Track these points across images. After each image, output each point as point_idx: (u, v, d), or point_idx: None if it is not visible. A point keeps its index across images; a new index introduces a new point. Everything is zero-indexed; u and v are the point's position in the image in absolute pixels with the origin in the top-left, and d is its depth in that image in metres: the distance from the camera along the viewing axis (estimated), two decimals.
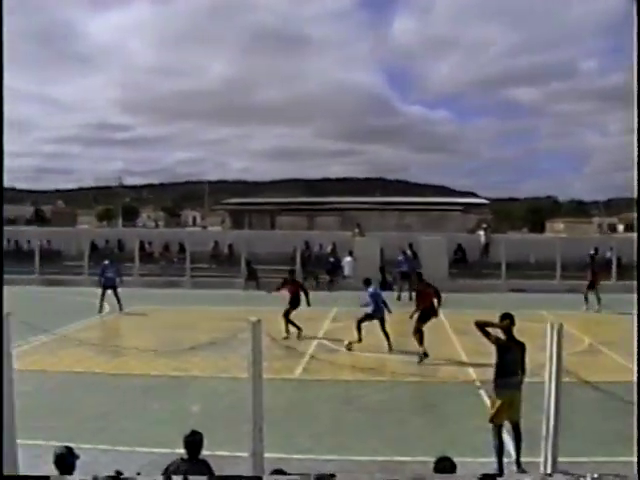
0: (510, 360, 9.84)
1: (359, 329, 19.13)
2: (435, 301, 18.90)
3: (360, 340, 19.03)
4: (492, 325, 10.11)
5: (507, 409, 9.84)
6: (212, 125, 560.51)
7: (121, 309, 26.13)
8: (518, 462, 9.79)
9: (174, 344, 18.05)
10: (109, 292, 26.18)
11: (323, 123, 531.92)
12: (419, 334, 18.27)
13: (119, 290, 26.49)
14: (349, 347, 19.00)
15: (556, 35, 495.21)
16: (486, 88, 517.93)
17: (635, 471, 7.36)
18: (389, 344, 19.10)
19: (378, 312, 19.35)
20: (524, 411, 9.96)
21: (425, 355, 17.82)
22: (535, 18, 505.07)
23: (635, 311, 7.69)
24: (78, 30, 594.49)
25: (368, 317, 19.41)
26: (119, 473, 7.13)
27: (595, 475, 7.05)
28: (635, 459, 7.21)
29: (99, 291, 26.14)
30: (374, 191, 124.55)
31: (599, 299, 27.18)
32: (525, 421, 9.94)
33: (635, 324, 7.51)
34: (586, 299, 27.56)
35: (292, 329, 21.09)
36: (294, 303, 21.83)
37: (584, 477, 7.03)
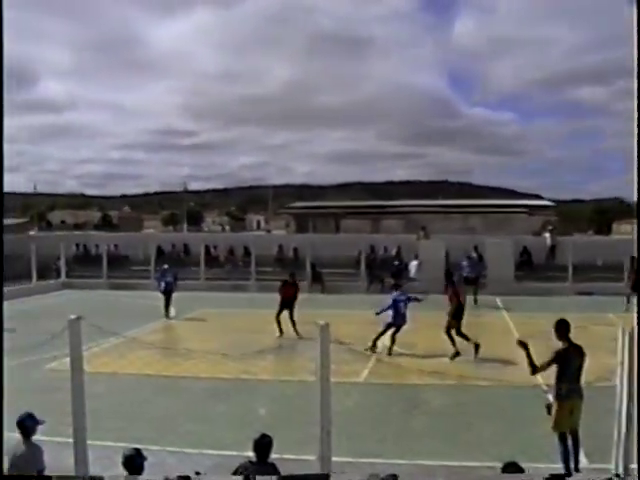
0: (572, 367, 9.68)
1: (377, 339, 19.11)
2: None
3: (389, 351, 18.95)
4: (543, 368, 9.89)
5: (569, 417, 9.71)
6: (275, 129, 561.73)
7: (167, 317, 26.14)
8: (576, 469, 9.66)
9: (242, 347, 18.15)
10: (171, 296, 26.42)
11: (386, 126, 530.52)
12: (451, 332, 18.76)
13: (174, 295, 26.67)
14: (389, 352, 18.96)
15: (621, 32, 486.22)
16: (550, 88, 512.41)
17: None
18: (390, 350, 18.92)
19: (398, 320, 19.25)
20: (595, 416, 9.82)
21: (457, 354, 18.26)
22: (599, 15, 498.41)
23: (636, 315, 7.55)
24: (142, 38, 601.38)
25: (388, 327, 19.29)
26: (197, 473, 7.22)
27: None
28: None
29: (161, 296, 26.32)
30: (438, 194, 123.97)
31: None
32: (596, 426, 9.81)
33: (635, 324, 7.40)
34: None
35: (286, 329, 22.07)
36: (286, 305, 22.46)
37: None
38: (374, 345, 18.77)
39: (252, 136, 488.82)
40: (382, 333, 19.20)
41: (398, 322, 19.23)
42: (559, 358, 9.72)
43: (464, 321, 19.09)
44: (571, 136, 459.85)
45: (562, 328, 9.83)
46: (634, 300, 26.55)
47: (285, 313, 21.84)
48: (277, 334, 21.61)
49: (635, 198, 6.91)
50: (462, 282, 25.44)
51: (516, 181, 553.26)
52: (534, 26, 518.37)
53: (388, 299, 19.85)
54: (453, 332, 18.82)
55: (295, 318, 21.81)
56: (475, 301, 28.32)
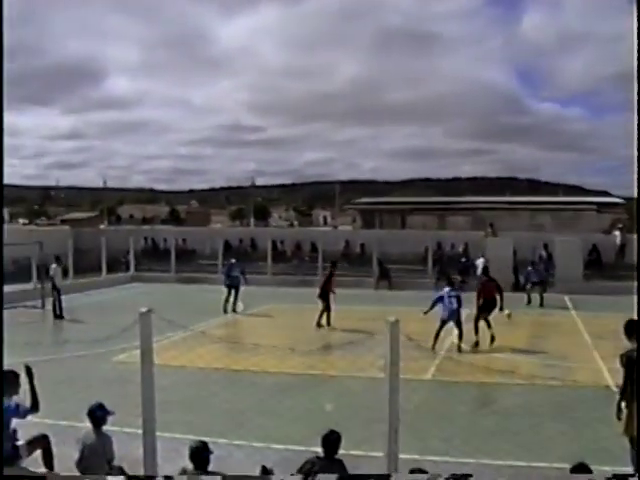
0: None
1: (437, 336, 18.97)
2: (497, 295, 20.53)
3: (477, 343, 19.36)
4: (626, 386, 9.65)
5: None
6: (342, 126, 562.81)
7: (235, 310, 26.36)
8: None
9: (310, 343, 18.23)
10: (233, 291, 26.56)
11: (453, 122, 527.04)
12: (477, 323, 19.72)
13: (241, 290, 26.86)
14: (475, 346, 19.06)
15: None
16: (621, 83, 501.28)
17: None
18: (460, 344, 19.12)
19: (445, 315, 19.31)
20: None
21: (476, 344, 19.26)
22: None
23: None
24: (209, 35, 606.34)
25: (443, 323, 19.32)
26: (264, 468, 7.26)
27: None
28: None
29: (225, 290, 26.44)
30: (505, 191, 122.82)
31: None
32: None
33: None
34: None
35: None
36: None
37: None
38: (434, 344, 18.70)
39: (318, 132, 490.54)
40: (438, 331, 19.13)
41: (444, 317, 19.28)
42: (627, 360, 9.52)
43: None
44: None
45: (632, 328, 9.60)
46: None
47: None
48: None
49: (635, 198, 6.79)
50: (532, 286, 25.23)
51: (585, 178, 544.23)
52: (603, 20, 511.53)
53: (435, 296, 20.11)
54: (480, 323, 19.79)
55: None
56: (541, 304, 28.08)
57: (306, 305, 26.00)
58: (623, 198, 75.98)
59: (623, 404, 9.57)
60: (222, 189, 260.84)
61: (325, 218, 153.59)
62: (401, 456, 8.51)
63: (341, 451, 7.36)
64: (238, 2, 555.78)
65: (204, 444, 7.15)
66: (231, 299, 26.20)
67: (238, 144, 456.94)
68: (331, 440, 7.29)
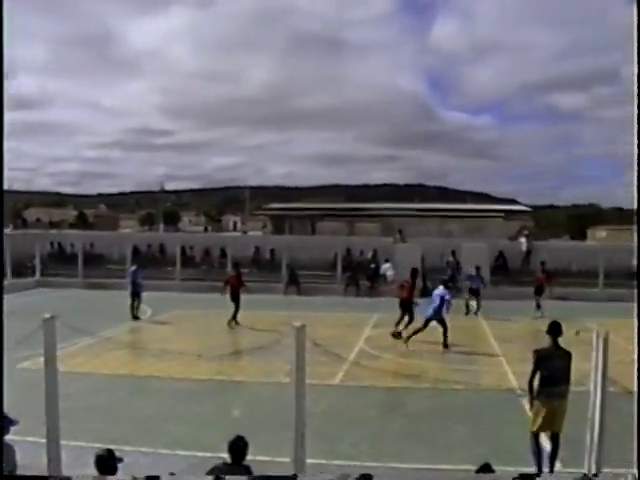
0: (555, 369, 9.75)
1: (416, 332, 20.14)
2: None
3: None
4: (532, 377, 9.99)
5: (550, 418, 9.77)
6: (253, 130, 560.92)
7: (136, 318, 25.86)
8: (551, 471, 9.71)
9: (217, 348, 18.15)
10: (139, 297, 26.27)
11: (364, 129, 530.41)
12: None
13: (144, 296, 26.59)
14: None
15: (601, 39, 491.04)
16: (529, 93, 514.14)
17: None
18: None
19: (434, 314, 20.19)
20: (569, 421, 9.87)
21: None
22: (580, 22, 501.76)
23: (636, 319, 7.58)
24: (121, 36, 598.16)
25: (427, 321, 20.24)
26: (172, 474, 7.19)
27: (636, 472, 6.98)
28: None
29: (145, 294, 26.19)
30: (414, 197, 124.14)
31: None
32: (570, 431, 9.85)
33: (635, 327, 7.43)
34: None
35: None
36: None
37: (625, 477, 6.96)
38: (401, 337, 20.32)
39: (229, 137, 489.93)
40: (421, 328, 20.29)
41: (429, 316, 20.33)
42: (536, 358, 9.85)
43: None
44: (549, 142, 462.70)
45: (552, 329, 9.97)
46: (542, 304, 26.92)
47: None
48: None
49: (635, 199, 6.93)
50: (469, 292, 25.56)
51: (493, 186, 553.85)
52: (514, 31, 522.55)
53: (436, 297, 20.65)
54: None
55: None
56: (476, 312, 28.41)
57: (215, 311, 25.90)
58: (530, 206, 77.52)
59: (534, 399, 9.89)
60: (131, 193, 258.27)
61: (235, 223, 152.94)
62: (308, 460, 8.54)
63: (248, 457, 7.34)
64: (150, 3, 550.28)
65: (110, 452, 7.05)
66: (136, 305, 25.91)
67: (148, 148, 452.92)
68: (238, 446, 7.25)
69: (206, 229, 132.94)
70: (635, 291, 9.54)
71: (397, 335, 20.91)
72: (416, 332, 20.02)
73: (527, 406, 10.31)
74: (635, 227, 7.41)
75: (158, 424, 12.34)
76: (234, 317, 24.19)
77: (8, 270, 35.67)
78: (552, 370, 9.71)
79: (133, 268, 27.48)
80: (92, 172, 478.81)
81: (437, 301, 20.16)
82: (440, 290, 20.52)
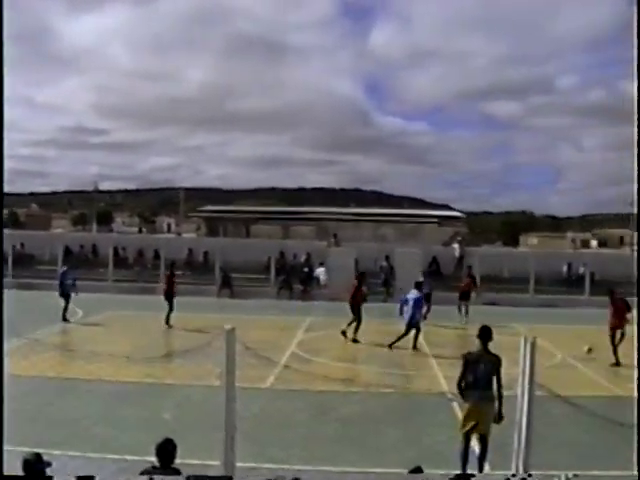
0: (481, 372, 9.90)
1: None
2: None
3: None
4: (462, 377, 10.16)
5: (475, 420, 9.90)
6: (190, 132, 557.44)
7: (66, 320, 25.31)
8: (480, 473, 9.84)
9: (148, 351, 18.01)
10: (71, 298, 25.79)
11: (302, 132, 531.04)
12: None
13: (75, 297, 26.13)
14: None
15: (537, 50, 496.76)
16: (466, 101, 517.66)
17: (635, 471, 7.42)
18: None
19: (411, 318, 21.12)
20: (501, 424, 9.99)
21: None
22: (517, 32, 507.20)
23: (636, 320, 7.71)
24: (57, 32, 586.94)
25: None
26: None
27: (570, 475, 7.07)
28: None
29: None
30: (349, 202, 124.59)
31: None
32: (498, 434, 9.97)
33: (635, 328, 7.56)
34: None
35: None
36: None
37: (558, 478, 7.04)
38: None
39: (166, 137, 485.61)
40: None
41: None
42: (465, 361, 10.02)
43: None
44: (484, 149, 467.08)
45: (482, 334, 10.15)
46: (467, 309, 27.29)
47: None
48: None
49: (635, 199, 7.03)
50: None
51: (428, 192, 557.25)
52: (452, 39, 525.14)
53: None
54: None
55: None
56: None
57: (147, 312, 25.73)
58: (464, 212, 78.34)
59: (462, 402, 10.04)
60: (65, 193, 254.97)
61: (169, 225, 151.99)
62: (239, 464, 8.53)
63: (178, 460, 7.29)
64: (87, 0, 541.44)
65: (38, 456, 6.95)
66: (81, 304, 25.60)
67: (82, 146, 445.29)
68: (166, 449, 7.19)
69: (140, 230, 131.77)
70: (635, 292, 9.66)
71: (344, 335, 21.64)
72: (400, 338, 20.34)
73: (458, 408, 10.42)
74: (635, 228, 7.49)
75: (87, 427, 12.19)
76: (168, 317, 24.31)
77: None
78: (480, 374, 9.87)
79: (63, 269, 27.09)
80: (25, 170, 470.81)
81: (412, 304, 20.76)
82: (414, 294, 21.10)
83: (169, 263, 28.80)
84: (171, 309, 24.58)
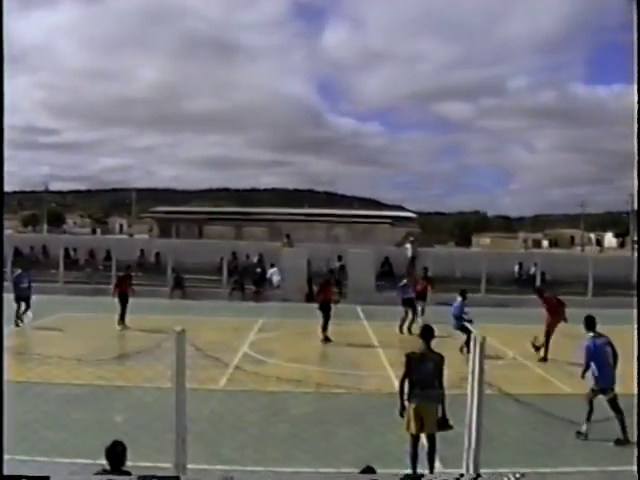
0: (425, 372, 10.00)
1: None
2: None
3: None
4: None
5: (420, 420, 9.99)
6: (141, 132, 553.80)
7: (19, 323, 24.97)
8: (431, 472, 9.91)
9: (98, 353, 17.87)
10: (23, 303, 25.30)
11: (253, 133, 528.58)
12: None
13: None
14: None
15: (488, 52, 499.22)
16: (418, 102, 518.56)
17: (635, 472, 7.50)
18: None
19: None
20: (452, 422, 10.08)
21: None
22: (468, 35, 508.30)
23: (636, 321, 7.78)
24: (6, 29, 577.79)
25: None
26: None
27: (518, 475, 7.15)
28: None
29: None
30: (303, 203, 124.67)
31: None
32: (448, 433, 10.05)
33: (635, 329, 7.61)
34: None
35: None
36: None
37: (507, 477, 7.12)
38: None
39: (117, 138, 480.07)
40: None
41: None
42: (408, 360, 10.14)
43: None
44: (436, 150, 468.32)
45: (424, 333, 10.29)
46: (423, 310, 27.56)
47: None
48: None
49: (635, 199, 7.10)
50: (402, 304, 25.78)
51: (381, 192, 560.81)
52: (404, 41, 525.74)
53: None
54: None
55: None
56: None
57: (99, 314, 25.56)
58: (417, 212, 78.82)
59: (406, 402, 10.13)
60: (14, 193, 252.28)
61: (121, 226, 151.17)
62: (190, 466, 8.51)
63: (129, 463, 7.26)
64: None
65: (46, 477, 6.91)
66: (21, 311, 25.18)
67: (32, 146, 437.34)
68: (115, 452, 7.16)
69: (94, 231, 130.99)
70: (635, 295, 9.76)
71: (326, 340, 22.40)
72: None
73: (396, 410, 10.49)
74: (635, 229, 7.56)
75: (37, 431, 12.06)
76: (122, 319, 24.49)
77: None
78: (423, 373, 9.99)
79: (18, 272, 26.71)
80: None
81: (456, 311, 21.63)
82: (458, 301, 22.03)
83: (125, 265, 28.89)
84: (124, 311, 24.68)
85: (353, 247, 39.07)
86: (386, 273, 38.38)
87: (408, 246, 40.51)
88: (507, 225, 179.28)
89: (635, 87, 7.05)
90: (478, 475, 8.67)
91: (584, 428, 12.47)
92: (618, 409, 12.32)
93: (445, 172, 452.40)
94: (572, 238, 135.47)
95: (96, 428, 11.96)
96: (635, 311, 7.88)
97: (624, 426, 11.78)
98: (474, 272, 35.64)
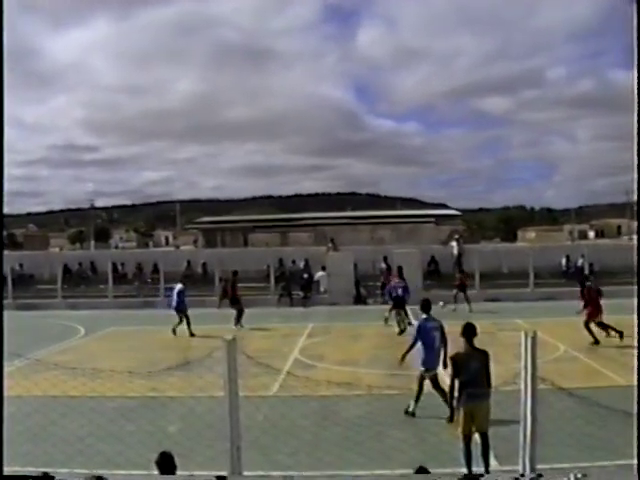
0: (472, 371, 9.91)
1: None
2: None
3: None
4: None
5: (472, 420, 9.91)
6: (181, 144, 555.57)
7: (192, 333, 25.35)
8: (486, 471, 9.84)
9: (150, 365, 17.97)
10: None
11: (293, 138, 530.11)
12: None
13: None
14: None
15: (525, 43, 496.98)
16: (456, 99, 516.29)
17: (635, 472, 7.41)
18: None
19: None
20: (502, 419, 10.01)
21: None
22: (503, 27, 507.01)
23: (636, 322, 7.70)
24: (40, 50, 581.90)
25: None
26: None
27: (579, 475, 7.07)
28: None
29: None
30: (346, 206, 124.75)
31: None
32: (503, 430, 9.98)
33: (635, 328, 7.53)
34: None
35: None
36: None
37: (568, 477, 7.04)
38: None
39: (157, 151, 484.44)
40: None
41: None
42: (454, 362, 10.07)
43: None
44: (476, 146, 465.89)
45: (466, 332, 10.17)
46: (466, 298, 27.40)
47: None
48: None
49: (635, 199, 7.04)
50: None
51: (423, 191, 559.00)
52: (438, 37, 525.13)
53: None
54: None
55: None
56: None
57: (148, 327, 25.71)
58: (460, 210, 78.48)
59: (455, 405, 10.07)
60: (61, 211, 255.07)
61: (167, 238, 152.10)
62: (247, 473, 8.52)
63: (185, 472, 7.31)
64: (68, 15, 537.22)
65: (46, 475, 6.96)
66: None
67: (74, 164, 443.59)
68: (163, 463, 7.18)
69: (147, 244, 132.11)
70: (635, 289, 9.71)
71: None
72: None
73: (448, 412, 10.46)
74: (636, 225, 7.50)
75: (92, 444, 12.17)
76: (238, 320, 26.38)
77: None
78: (471, 372, 9.89)
79: (179, 287, 26.62)
80: (19, 191, 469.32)
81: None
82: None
83: (232, 271, 30.10)
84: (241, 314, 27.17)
85: (398, 248, 38.94)
86: (433, 272, 38.28)
87: (454, 244, 40.40)
88: (552, 218, 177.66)
89: (635, 87, 6.99)
90: (539, 475, 8.58)
91: (411, 407, 13.83)
92: (439, 388, 13.42)
93: (487, 168, 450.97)
94: (619, 228, 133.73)
95: (150, 439, 12.03)
96: (635, 306, 7.78)
97: (449, 403, 11.66)
98: (521, 267, 35.46)
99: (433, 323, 14.01)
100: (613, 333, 20.59)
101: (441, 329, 13.90)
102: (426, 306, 14.26)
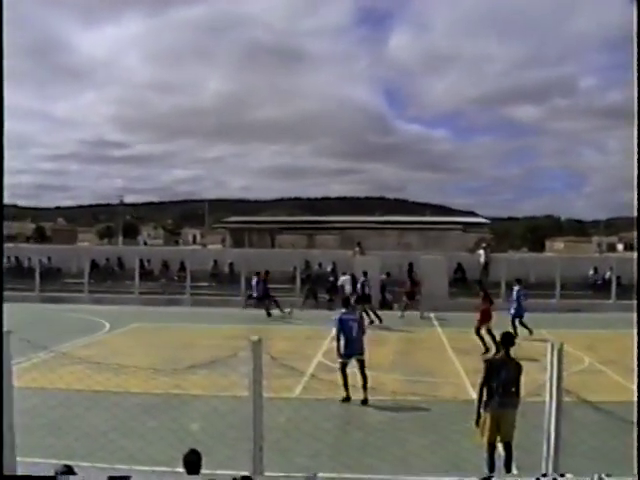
0: (504, 379, 9.89)
1: None
2: None
3: None
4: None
5: (497, 428, 9.89)
6: (210, 143, 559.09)
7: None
8: None
9: (174, 362, 18.02)
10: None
11: (322, 141, 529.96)
12: None
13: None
14: None
15: (556, 51, 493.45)
16: (486, 106, 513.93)
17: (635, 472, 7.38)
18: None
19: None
20: (525, 431, 9.97)
21: None
22: (535, 34, 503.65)
23: (635, 322, 7.65)
24: (72, 45, 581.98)
25: None
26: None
27: (603, 475, 7.05)
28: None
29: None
30: (374, 210, 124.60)
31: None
32: (526, 441, 9.93)
33: (635, 338, 7.48)
34: None
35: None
36: None
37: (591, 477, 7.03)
38: None
39: (186, 149, 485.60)
40: None
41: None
42: (488, 366, 10.05)
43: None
44: (506, 154, 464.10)
45: (504, 340, 10.22)
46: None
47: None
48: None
49: (635, 199, 6.97)
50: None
51: (451, 198, 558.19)
52: (470, 43, 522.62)
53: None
54: None
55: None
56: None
57: (172, 324, 25.77)
58: (488, 218, 78.14)
59: (481, 410, 10.05)
60: (90, 206, 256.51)
61: (194, 237, 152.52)
62: (267, 473, 8.53)
63: (206, 471, 7.31)
64: (100, 10, 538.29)
65: (68, 467, 6.99)
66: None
67: (104, 160, 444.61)
68: (191, 460, 7.21)
69: (177, 242, 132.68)
70: (634, 297, 9.65)
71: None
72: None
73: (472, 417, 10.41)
74: (636, 233, 7.41)
75: (114, 439, 12.20)
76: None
77: None
78: (503, 380, 9.87)
79: (517, 288, 26.47)
80: (48, 185, 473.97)
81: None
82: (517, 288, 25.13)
83: (265, 271, 32.68)
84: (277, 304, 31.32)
85: (425, 254, 38.85)
86: (459, 279, 38.15)
87: (481, 252, 40.24)
88: (581, 229, 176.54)
89: (635, 88, 6.94)
90: (562, 475, 8.55)
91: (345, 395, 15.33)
92: (364, 373, 15.42)
93: (516, 176, 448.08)
94: None
95: (172, 437, 12.05)
96: (635, 312, 7.71)
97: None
98: (548, 277, 35.29)
99: (351, 315, 15.89)
100: None
101: (358, 321, 15.93)
102: (346, 302, 16.73)
